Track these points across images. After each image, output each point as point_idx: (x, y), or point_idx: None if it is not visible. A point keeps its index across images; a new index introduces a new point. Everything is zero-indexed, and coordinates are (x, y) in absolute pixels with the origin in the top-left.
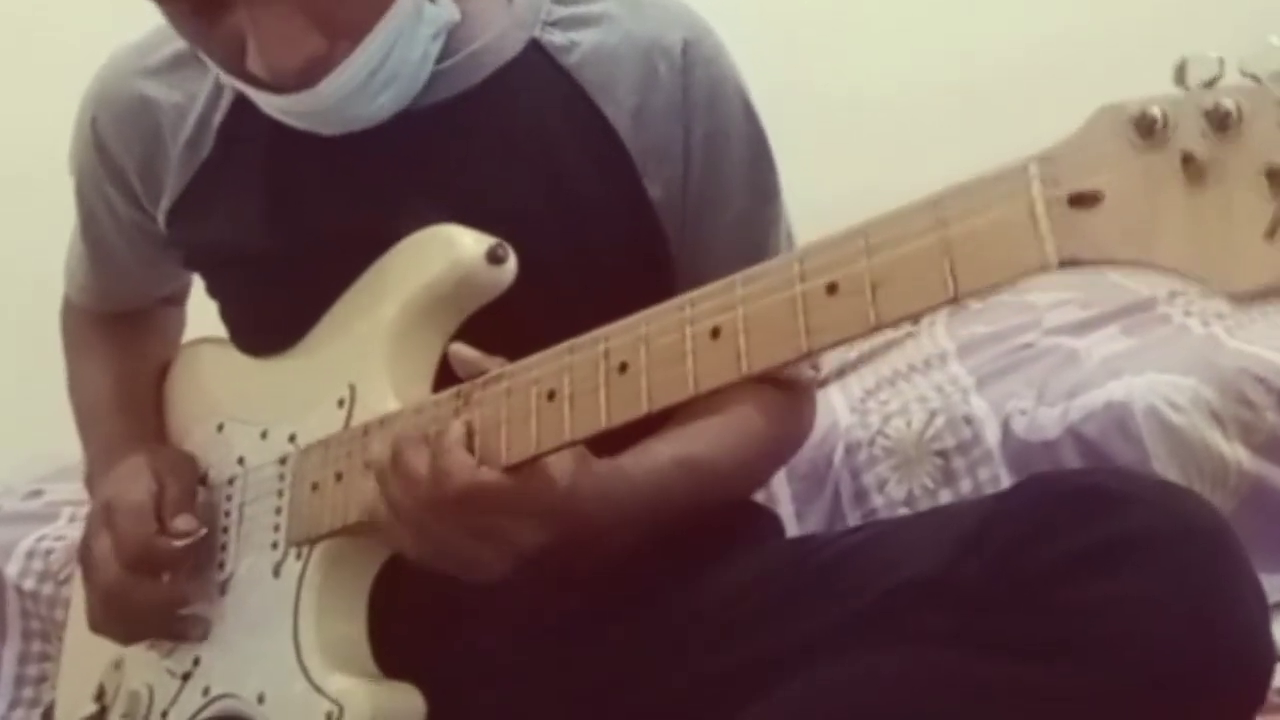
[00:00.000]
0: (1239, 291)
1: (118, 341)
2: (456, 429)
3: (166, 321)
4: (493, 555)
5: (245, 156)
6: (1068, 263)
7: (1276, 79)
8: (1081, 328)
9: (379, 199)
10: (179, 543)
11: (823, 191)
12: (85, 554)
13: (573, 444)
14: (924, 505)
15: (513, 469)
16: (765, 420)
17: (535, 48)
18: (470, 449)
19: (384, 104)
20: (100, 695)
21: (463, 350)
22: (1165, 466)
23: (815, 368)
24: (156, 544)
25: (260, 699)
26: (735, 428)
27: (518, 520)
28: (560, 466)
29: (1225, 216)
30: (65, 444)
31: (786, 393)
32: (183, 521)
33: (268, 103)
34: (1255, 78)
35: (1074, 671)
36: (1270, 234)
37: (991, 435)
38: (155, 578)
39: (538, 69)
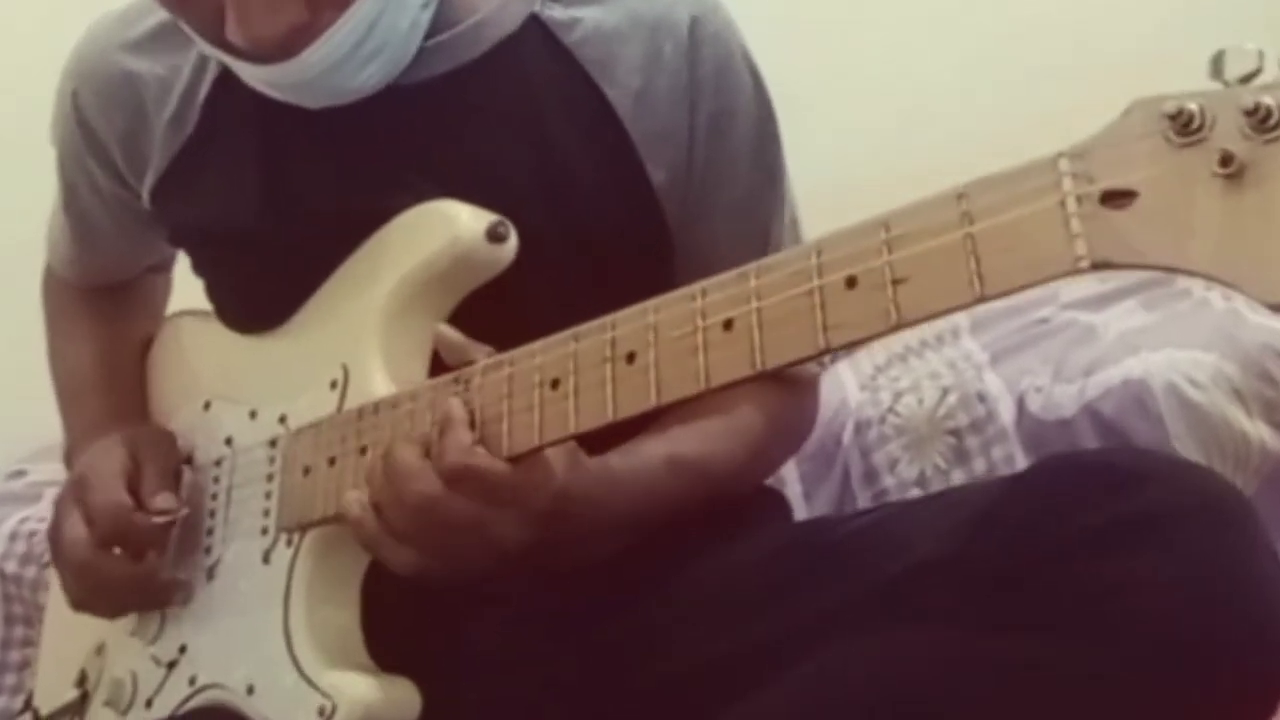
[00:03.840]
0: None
1: (101, 313)
2: (459, 408)
3: (153, 290)
4: (476, 548)
5: (231, 132)
6: (1100, 265)
7: None
8: (1099, 302)
9: (370, 174)
10: (158, 519)
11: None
12: (55, 533)
13: (577, 435)
14: (936, 485)
15: (511, 460)
16: (764, 418)
17: (535, 23)
18: (473, 430)
19: (371, 75)
20: (82, 680)
21: (449, 334)
22: (1185, 445)
23: (819, 362)
24: (134, 520)
25: (249, 690)
26: (731, 428)
27: (505, 513)
28: (558, 462)
29: (1265, 220)
30: (48, 423)
31: (788, 388)
32: (163, 499)
33: (250, 74)
34: None
35: (1088, 649)
36: None
37: (1006, 413)
38: (131, 555)
39: (536, 46)
